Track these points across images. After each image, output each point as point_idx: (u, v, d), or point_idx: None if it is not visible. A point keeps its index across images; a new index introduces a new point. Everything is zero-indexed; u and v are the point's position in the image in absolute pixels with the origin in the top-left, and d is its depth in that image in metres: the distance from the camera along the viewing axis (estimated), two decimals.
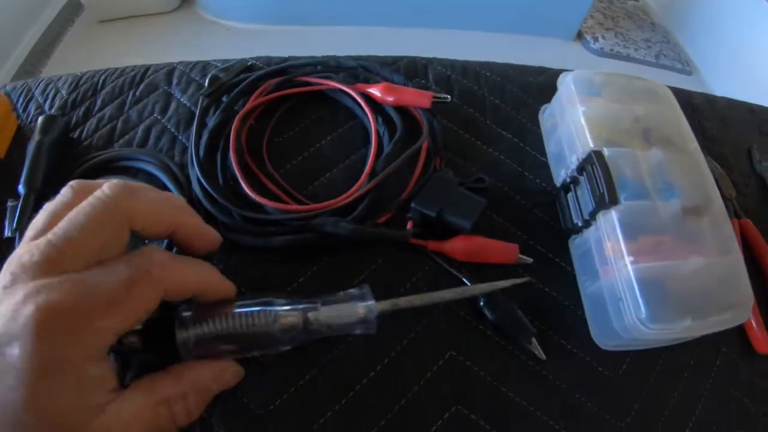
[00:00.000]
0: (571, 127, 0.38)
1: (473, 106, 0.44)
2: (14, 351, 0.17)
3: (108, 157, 0.40)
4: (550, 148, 0.44)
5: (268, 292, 0.27)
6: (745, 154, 0.48)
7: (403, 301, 0.29)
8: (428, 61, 0.46)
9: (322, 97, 0.41)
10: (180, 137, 0.41)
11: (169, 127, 0.42)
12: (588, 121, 0.37)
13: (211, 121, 0.38)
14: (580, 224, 0.36)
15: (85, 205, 0.20)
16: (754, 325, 0.35)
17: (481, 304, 0.32)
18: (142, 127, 0.43)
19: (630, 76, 0.43)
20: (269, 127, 0.39)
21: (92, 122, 0.44)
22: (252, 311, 0.25)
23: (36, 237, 0.20)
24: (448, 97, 0.39)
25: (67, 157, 0.41)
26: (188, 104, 0.43)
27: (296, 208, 0.32)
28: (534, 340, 0.31)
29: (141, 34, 1.34)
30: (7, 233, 0.34)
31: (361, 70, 0.41)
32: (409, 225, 0.34)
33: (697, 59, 1.21)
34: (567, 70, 0.44)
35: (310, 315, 0.26)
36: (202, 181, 0.33)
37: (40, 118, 0.41)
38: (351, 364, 0.30)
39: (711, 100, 0.53)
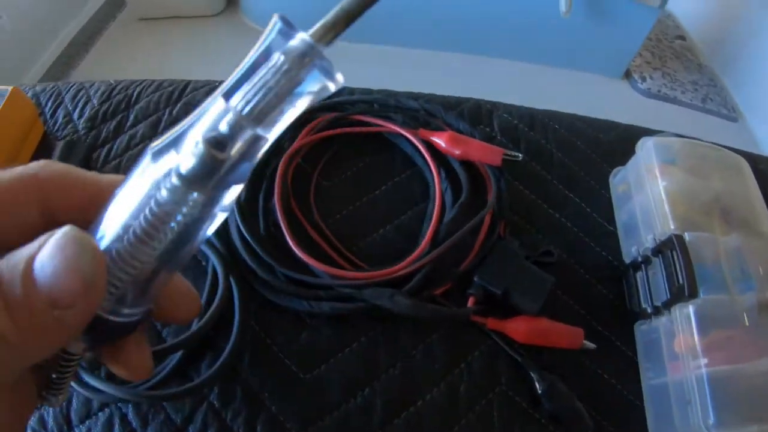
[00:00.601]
0: (650, 201, 0.35)
1: (540, 162, 0.40)
2: None
3: None
4: (620, 217, 0.40)
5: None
6: None
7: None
8: (493, 107, 0.42)
9: (378, 139, 0.37)
10: None
11: None
12: (668, 197, 0.33)
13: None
14: (649, 310, 0.33)
15: None
16: None
17: (540, 391, 0.29)
18: None
19: (708, 146, 0.39)
20: (318, 168, 0.35)
21: (123, 140, 0.41)
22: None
23: None
24: (519, 155, 0.35)
25: None
26: None
27: (348, 275, 0.28)
28: None
29: (182, 35, 1.30)
30: None
31: (422, 112, 0.37)
32: (471, 302, 0.30)
33: (743, 105, 1.17)
34: (647, 132, 0.40)
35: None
36: (244, 231, 0.29)
37: (60, 145, 0.38)
38: None
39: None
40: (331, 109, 0.37)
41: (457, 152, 0.34)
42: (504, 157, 0.34)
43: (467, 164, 0.35)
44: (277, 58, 0.13)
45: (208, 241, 0.31)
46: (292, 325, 0.30)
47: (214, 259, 0.30)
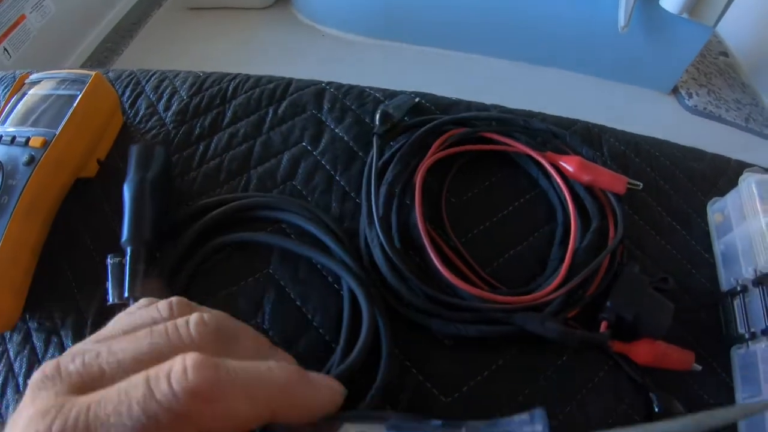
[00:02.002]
0: (751, 234, 0.36)
1: (645, 189, 0.41)
2: None
3: (241, 205, 0.34)
4: (719, 247, 0.41)
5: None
6: None
7: None
8: (601, 131, 0.43)
9: (503, 158, 0.38)
10: (338, 178, 0.38)
11: (323, 162, 0.39)
12: None
13: (389, 173, 0.35)
14: (746, 336, 0.34)
15: (157, 333, 0.17)
16: None
17: (657, 410, 0.30)
18: (287, 155, 0.39)
19: None
20: (446, 185, 0.36)
21: (222, 137, 0.40)
22: None
23: (100, 341, 0.17)
24: (640, 185, 0.36)
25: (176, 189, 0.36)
26: (346, 138, 0.40)
27: (495, 298, 0.29)
28: None
29: (230, 27, 1.28)
30: (112, 300, 0.29)
31: (549, 135, 0.38)
32: (604, 326, 0.31)
33: None
34: (728, 162, 0.41)
35: None
36: (389, 251, 0.30)
37: (133, 150, 0.34)
38: None
39: None
40: (459, 124, 0.38)
41: (586, 178, 0.35)
42: (628, 186, 0.36)
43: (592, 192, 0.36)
44: None
45: (343, 263, 0.31)
46: (429, 349, 0.30)
47: (351, 283, 0.29)
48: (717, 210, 0.42)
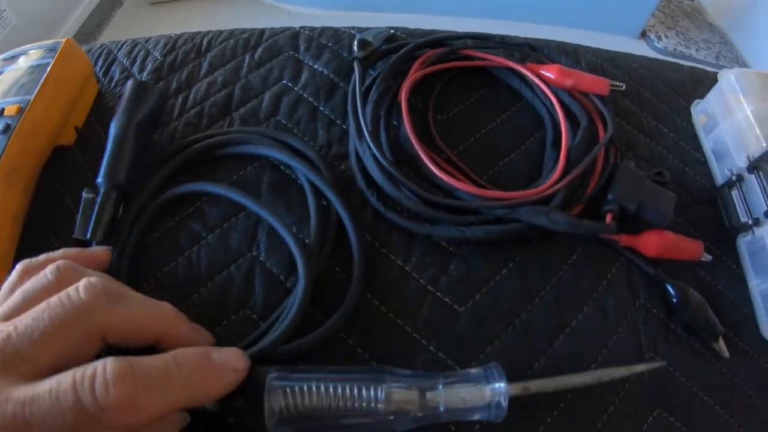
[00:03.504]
0: (739, 125, 0.37)
1: (629, 97, 0.41)
2: None
3: (214, 143, 0.33)
4: (708, 144, 0.41)
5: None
6: None
7: (534, 385, 0.24)
8: (577, 47, 0.43)
9: (483, 74, 0.38)
10: (321, 108, 0.37)
11: (305, 95, 0.38)
12: (757, 119, 0.36)
13: (373, 92, 0.34)
14: (750, 222, 0.35)
15: (54, 305, 0.19)
16: None
17: (675, 301, 0.30)
18: (268, 94, 0.39)
19: None
20: (431, 101, 0.36)
21: (200, 87, 0.39)
22: (356, 384, 0.22)
23: (4, 318, 0.19)
24: (623, 85, 0.36)
25: (163, 136, 0.35)
26: (325, 71, 0.40)
27: (497, 195, 0.29)
28: (720, 338, 0.30)
29: (194, 18, 1.25)
30: (76, 234, 0.28)
31: (526, 48, 0.38)
32: (609, 218, 0.31)
33: (753, 62, 1.21)
34: (707, 74, 0.42)
35: (428, 395, 0.22)
36: (380, 158, 0.30)
37: (129, 84, 0.34)
38: None
39: None
40: (436, 45, 0.37)
41: (568, 83, 0.35)
42: (611, 87, 0.36)
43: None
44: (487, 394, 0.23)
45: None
46: (438, 257, 0.30)
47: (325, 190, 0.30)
48: (701, 111, 0.43)
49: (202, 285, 0.29)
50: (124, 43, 0.45)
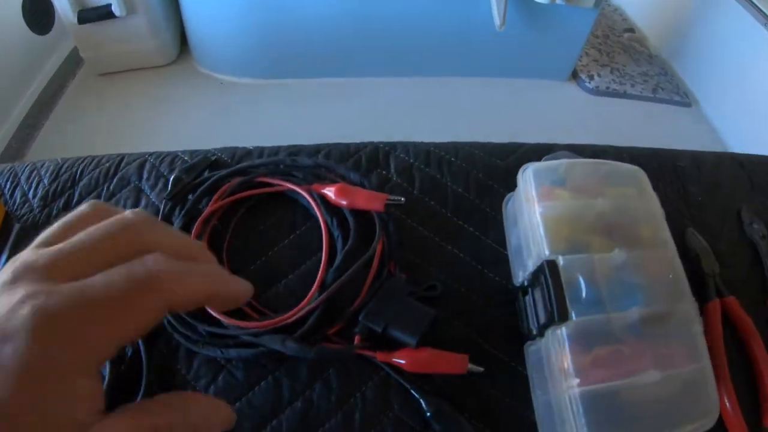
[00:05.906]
0: (528, 228, 0.36)
1: (435, 197, 0.44)
2: (6, 349, 0.16)
3: None
4: (511, 242, 0.42)
5: None
6: (734, 217, 0.46)
7: None
8: (391, 148, 0.47)
9: (282, 197, 0.42)
10: None
11: None
12: (546, 223, 0.35)
13: (176, 224, 0.39)
14: (535, 331, 0.35)
15: (106, 224, 0.20)
16: (730, 411, 0.34)
17: (428, 414, 0.32)
18: None
19: (598, 162, 0.40)
20: (229, 230, 0.40)
21: None
22: None
23: (46, 244, 0.19)
24: (402, 199, 0.39)
25: None
26: (156, 202, 0.45)
27: (250, 325, 0.34)
28: None
29: (140, 86, 1.39)
30: None
31: (322, 169, 0.42)
32: (357, 339, 0.34)
33: (696, 90, 1.20)
34: (550, 149, 0.42)
35: None
36: None
37: (16, 228, 0.40)
38: None
39: (698, 159, 0.51)
40: (239, 174, 0.42)
41: (344, 203, 0.39)
42: (388, 202, 0.39)
43: (360, 212, 0.40)
44: None
45: None
46: (211, 370, 0.35)
47: None
48: (512, 207, 0.43)
49: None
50: (27, 166, 0.51)
